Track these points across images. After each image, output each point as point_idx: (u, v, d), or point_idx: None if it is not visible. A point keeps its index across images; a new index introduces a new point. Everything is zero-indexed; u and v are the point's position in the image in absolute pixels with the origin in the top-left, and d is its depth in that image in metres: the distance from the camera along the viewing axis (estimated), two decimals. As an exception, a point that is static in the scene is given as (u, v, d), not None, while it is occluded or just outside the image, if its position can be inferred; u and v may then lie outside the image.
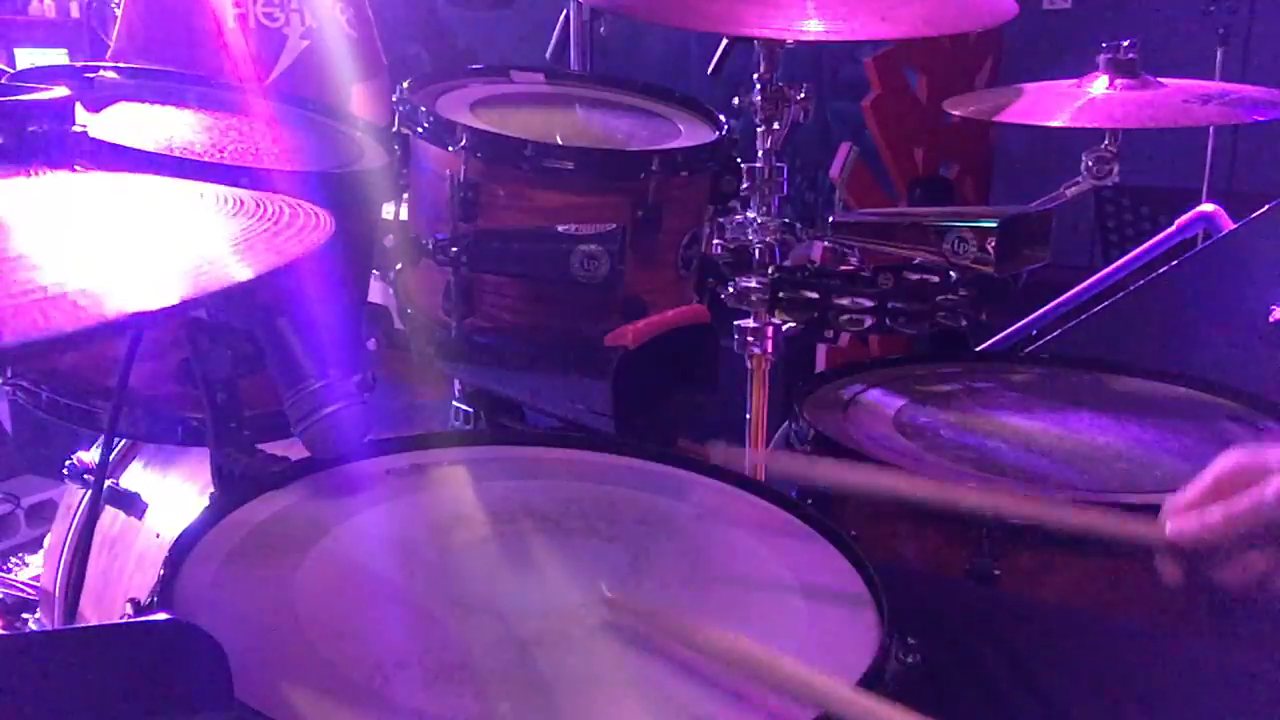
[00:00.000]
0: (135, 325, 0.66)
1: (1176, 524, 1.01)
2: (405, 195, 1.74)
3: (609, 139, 1.77)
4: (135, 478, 1.75)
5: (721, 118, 1.81)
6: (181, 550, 1.04)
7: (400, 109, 1.71)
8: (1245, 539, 0.97)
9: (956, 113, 2.02)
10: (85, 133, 1.24)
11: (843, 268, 1.72)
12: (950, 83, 4.70)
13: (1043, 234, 1.67)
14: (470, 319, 1.67)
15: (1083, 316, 2.45)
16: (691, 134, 1.78)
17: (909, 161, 5.06)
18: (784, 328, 1.69)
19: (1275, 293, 2.11)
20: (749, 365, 1.70)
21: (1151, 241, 2.72)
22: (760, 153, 1.66)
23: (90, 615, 1.62)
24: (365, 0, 3.03)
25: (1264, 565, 0.97)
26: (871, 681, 0.90)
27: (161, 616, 0.90)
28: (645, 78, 1.97)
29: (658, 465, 1.32)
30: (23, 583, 2.77)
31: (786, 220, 1.70)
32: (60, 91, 1.13)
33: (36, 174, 0.89)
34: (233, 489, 1.21)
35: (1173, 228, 2.68)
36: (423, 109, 1.66)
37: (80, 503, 1.79)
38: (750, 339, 1.68)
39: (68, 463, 1.74)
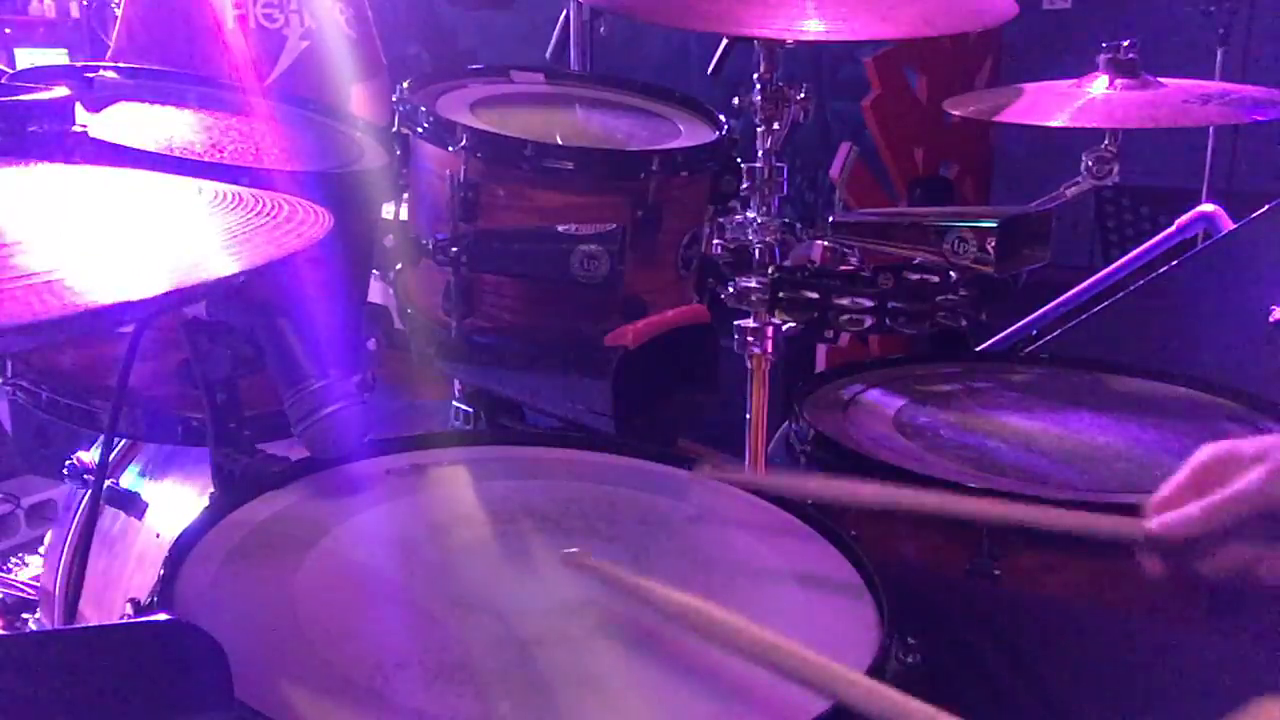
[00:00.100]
0: (130, 314, 0.65)
1: (1158, 520, 1.01)
2: (405, 195, 1.74)
3: (609, 139, 1.77)
4: (135, 478, 1.75)
5: (721, 118, 1.81)
6: (181, 550, 1.04)
7: (400, 109, 1.71)
8: (1224, 531, 0.98)
9: (956, 113, 2.02)
10: (85, 133, 1.24)
11: (843, 268, 1.71)
12: (950, 83, 4.70)
13: (1043, 234, 1.66)
14: (470, 319, 1.67)
15: (1083, 316, 2.45)
16: (691, 134, 1.78)
17: (909, 161, 5.05)
18: (784, 328, 1.69)
19: (1275, 293, 2.11)
20: (749, 365, 1.70)
21: (1151, 241, 2.72)
22: (760, 153, 1.66)
23: (90, 615, 1.62)
24: (364, 0, 3.03)
25: (1245, 556, 0.98)
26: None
27: (161, 616, 0.90)
28: (645, 78, 1.97)
29: (658, 465, 1.32)
30: (23, 583, 2.78)
31: (786, 220, 1.70)
32: (60, 91, 1.13)
33: (33, 165, 0.89)
34: (233, 489, 1.21)
35: (1173, 228, 2.68)
36: (423, 109, 1.66)
37: (80, 503, 1.79)
38: (750, 339, 1.68)
39: (68, 463, 1.74)
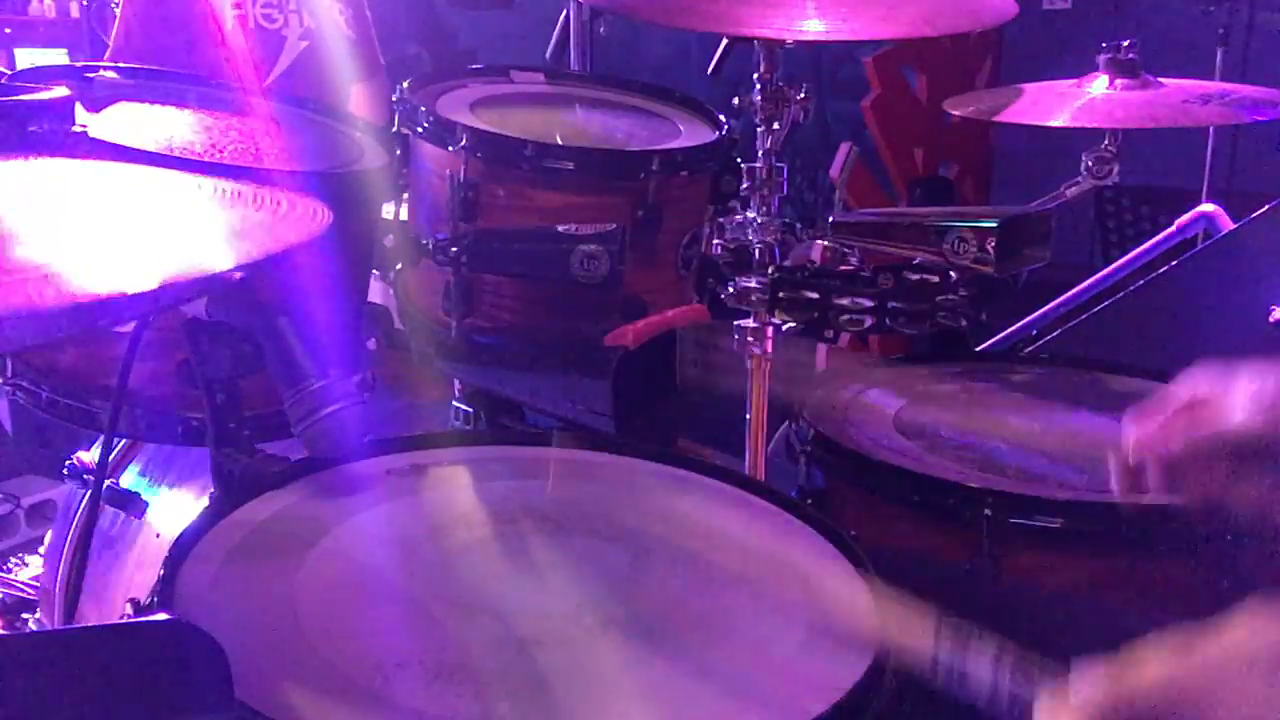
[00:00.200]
0: (129, 309, 0.65)
1: (1137, 429, 1.01)
2: (405, 195, 1.74)
3: (609, 139, 1.77)
4: (135, 478, 1.75)
5: (721, 118, 1.81)
6: (181, 550, 1.04)
7: (400, 109, 1.71)
8: (1199, 457, 0.98)
9: (956, 113, 2.02)
10: (85, 133, 1.24)
11: (843, 268, 1.71)
12: (950, 83, 4.70)
13: (1043, 234, 1.66)
14: (470, 319, 1.67)
15: (1083, 316, 2.45)
16: (691, 134, 1.78)
17: (909, 161, 5.06)
18: (784, 328, 1.69)
19: (1275, 293, 2.11)
20: (749, 365, 1.70)
21: (1151, 241, 2.72)
22: (760, 153, 1.66)
23: (90, 615, 1.62)
24: (363, 0, 3.02)
25: (1219, 479, 0.98)
26: (873, 680, 0.90)
27: (161, 616, 0.90)
28: (645, 78, 1.97)
29: (658, 465, 1.32)
30: (23, 583, 2.78)
31: (786, 220, 1.70)
32: (60, 91, 1.13)
33: (34, 159, 0.88)
34: (233, 489, 1.21)
35: (1173, 228, 2.68)
36: (423, 109, 1.66)
37: (80, 503, 1.79)
38: (750, 339, 1.68)
39: (68, 463, 1.74)
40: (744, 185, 1.68)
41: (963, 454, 1.48)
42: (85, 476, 1.72)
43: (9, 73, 1.52)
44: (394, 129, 1.72)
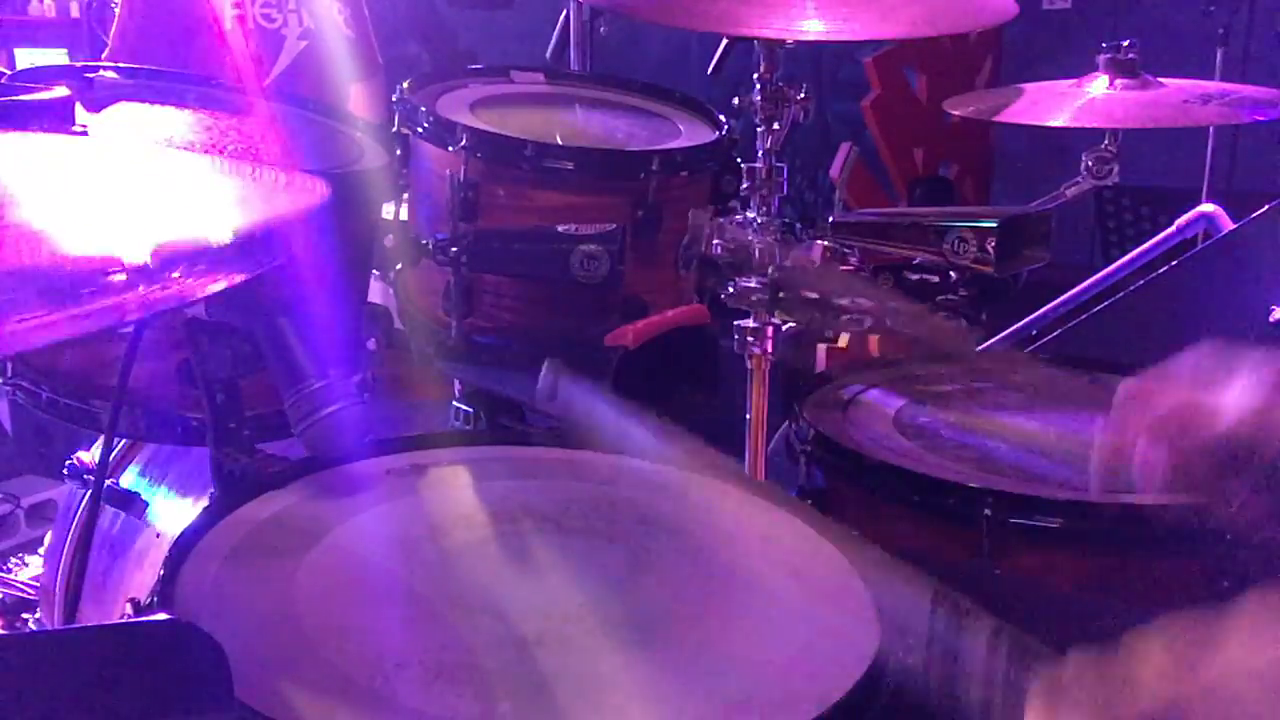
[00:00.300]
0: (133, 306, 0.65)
1: (1126, 389, 1.00)
2: (405, 195, 1.74)
3: (609, 139, 1.77)
4: (135, 478, 1.75)
5: (721, 118, 1.81)
6: (181, 550, 1.04)
7: (400, 109, 1.71)
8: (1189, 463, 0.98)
9: (956, 113, 2.02)
10: (85, 133, 1.24)
11: (843, 268, 1.71)
12: (950, 83, 4.70)
13: (1043, 234, 1.66)
14: (470, 319, 1.67)
15: (1083, 316, 2.45)
16: (691, 134, 1.78)
17: (909, 161, 5.06)
18: (784, 328, 1.69)
19: (1275, 293, 2.11)
20: (749, 365, 1.70)
21: (1151, 241, 2.71)
22: (760, 153, 1.66)
23: (90, 615, 1.62)
24: (362, 0, 3.02)
25: (1208, 482, 0.98)
26: (873, 680, 0.90)
27: (161, 616, 0.90)
28: (645, 78, 1.97)
29: (658, 465, 1.32)
30: (23, 583, 2.78)
31: (786, 220, 1.70)
32: (60, 91, 1.13)
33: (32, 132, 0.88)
34: (233, 489, 1.21)
35: (1173, 228, 2.68)
36: (423, 109, 1.66)
37: (80, 503, 1.79)
38: (750, 339, 1.68)
39: (68, 463, 1.74)
40: (744, 185, 1.68)
41: (963, 454, 1.48)
42: (85, 476, 1.72)
43: (9, 73, 1.52)
44: (394, 129, 1.72)
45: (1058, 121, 1.85)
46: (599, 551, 1.11)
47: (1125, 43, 1.88)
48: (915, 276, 1.67)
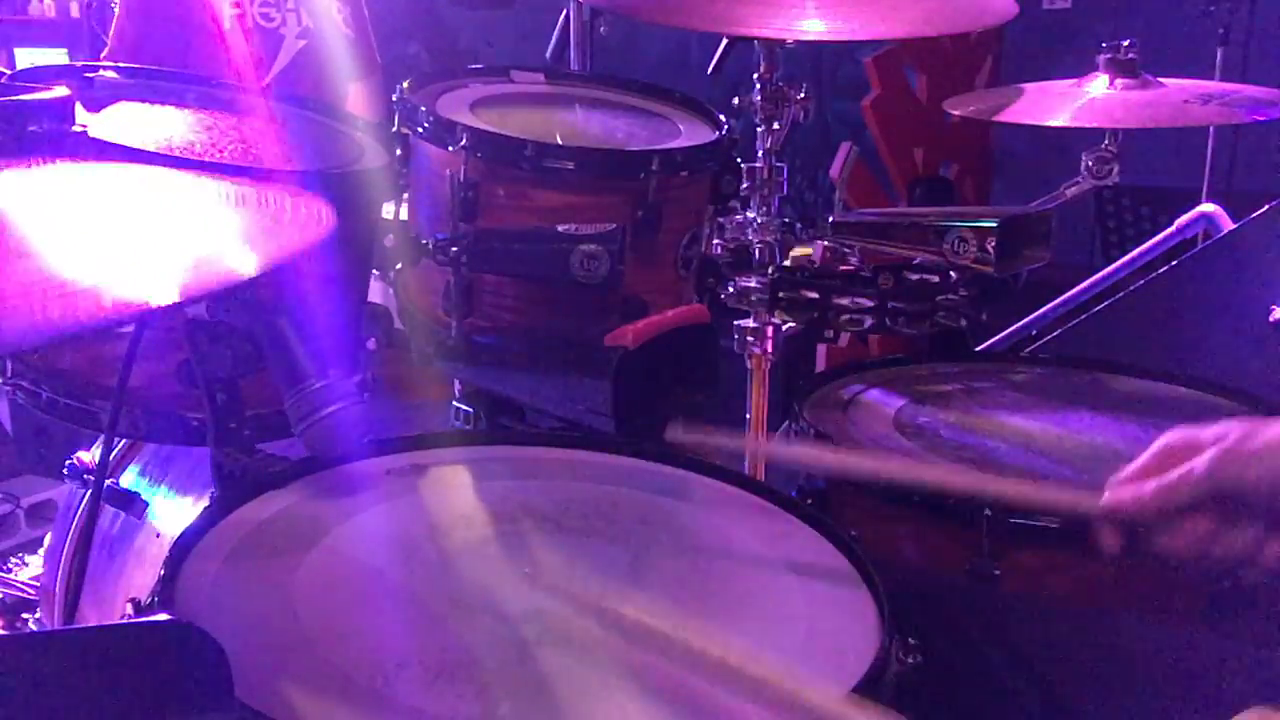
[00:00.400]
0: (138, 320, 0.65)
1: (1111, 494, 1.04)
2: (405, 195, 1.74)
3: (609, 139, 1.77)
4: (135, 478, 1.75)
5: (721, 118, 1.81)
6: (182, 550, 1.04)
7: (400, 109, 1.71)
8: (1176, 510, 1.00)
9: (956, 113, 2.02)
10: (85, 132, 1.24)
11: (843, 268, 1.72)
12: (950, 83, 4.70)
13: (1043, 234, 1.67)
14: (470, 319, 1.67)
15: (1083, 316, 2.45)
16: (691, 134, 1.78)
17: (909, 161, 5.06)
18: (784, 328, 1.69)
19: (1275, 293, 2.11)
20: (749, 365, 1.70)
21: (1151, 241, 2.72)
22: (760, 153, 1.66)
23: (90, 615, 1.62)
24: (361, -1, 3.02)
25: (1199, 534, 1.00)
26: (873, 682, 0.90)
27: (162, 616, 0.90)
28: (645, 78, 1.97)
29: (658, 465, 1.32)
30: (23, 583, 2.77)
31: (786, 220, 1.70)
32: (60, 91, 1.13)
33: (36, 165, 0.88)
34: (233, 489, 1.21)
35: (1173, 228, 2.68)
36: (423, 109, 1.66)
37: (80, 503, 1.79)
38: (750, 339, 1.68)
39: (68, 463, 1.74)
40: (744, 185, 1.69)
41: (963, 454, 1.48)
42: (85, 476, 1.72)
43: (9, 73, 1.52)
44: (394, 129, 1.72)
45: (1058, 121, 1.85)
46: (599, 552, 1.11)
47: (1125, 43, 1.88)
48: (915, 276, 1.66)
